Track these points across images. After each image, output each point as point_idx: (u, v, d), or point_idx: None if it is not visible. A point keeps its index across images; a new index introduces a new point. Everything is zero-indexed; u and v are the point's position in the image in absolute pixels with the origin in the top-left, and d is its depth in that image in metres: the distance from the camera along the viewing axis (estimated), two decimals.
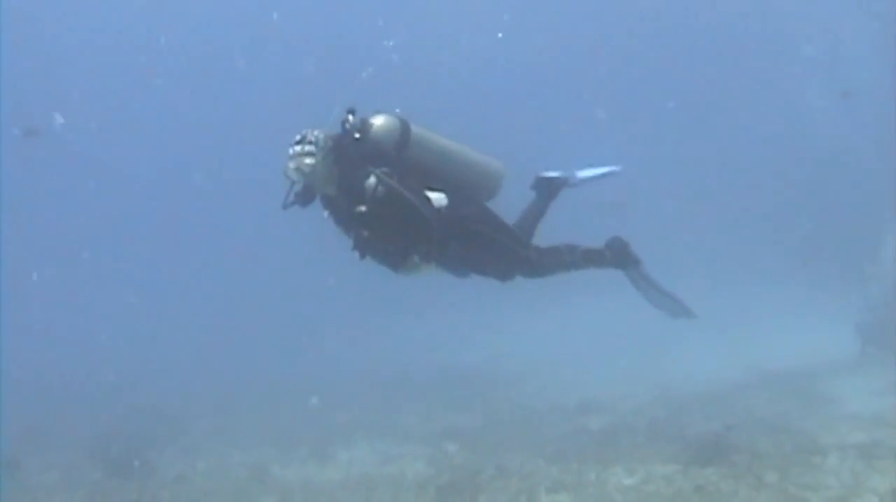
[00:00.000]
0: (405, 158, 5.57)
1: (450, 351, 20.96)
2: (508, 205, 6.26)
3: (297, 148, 5.42)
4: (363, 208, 5.38)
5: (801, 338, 16.80)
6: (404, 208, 5.36)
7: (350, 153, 5.46)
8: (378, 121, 5.57)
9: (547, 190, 6.60)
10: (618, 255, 6.47)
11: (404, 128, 5.61)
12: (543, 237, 6.45)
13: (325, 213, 5.68)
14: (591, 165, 6.97)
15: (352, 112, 5.57)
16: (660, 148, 30.32)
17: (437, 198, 5.52)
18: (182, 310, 28.35)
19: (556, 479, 9.40)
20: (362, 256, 5.62)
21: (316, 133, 5.46)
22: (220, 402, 16.35)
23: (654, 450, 10.44)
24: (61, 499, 10.18)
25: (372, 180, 5.36)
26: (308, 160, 5.37)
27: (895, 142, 21.01)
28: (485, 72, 34.62)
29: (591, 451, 10.86)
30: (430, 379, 18.02)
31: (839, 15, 26.27)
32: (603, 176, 6.94)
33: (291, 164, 5.41)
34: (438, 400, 16.00)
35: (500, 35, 33.91)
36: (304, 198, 5.56)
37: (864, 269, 18.29)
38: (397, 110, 5.70)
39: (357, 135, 5.47)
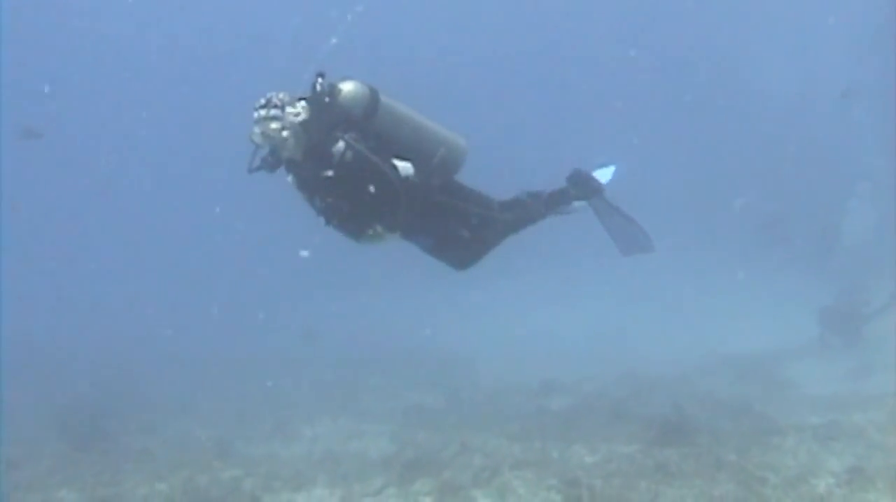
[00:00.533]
0: (372, 126, 5.50)
1: (409, 330, 20.96)
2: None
3: (262, 111, 5.30)
4: (330, 173, 5.31)
5: (762, 323, 17.09)
6: (372, 174, 5.30)
7: (318, 118, 5.37)
8: (347, 86, 5.49)
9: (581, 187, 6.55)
10: (582, 188, 6.47)
11: (373, 96, 5.53)
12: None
13: (289, 178, 5.54)
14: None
15: (321, 76, 5.48)
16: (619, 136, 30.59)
17: (404, 166, 5.46)
18: (144, 289, 28.22)
19: (520, 457, 9.45)
20: (328, 222, 5.53)
21: (281, 96, 5.35)
22: (183, 379, 16.30)
23: (616, 430, 10.54)
24: (26, 472, 10.07)
25: (340, 145, 5.28)
26: (273, 124, 5.27)
27: (856, 128, 21.45)
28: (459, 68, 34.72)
29: (553, 431, 10.92)
30: (390, 359, 18.01)
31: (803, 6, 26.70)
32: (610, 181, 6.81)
33: (257, 129, 5.32)
34: (399, 379, 16.05)
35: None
36: (271, 163, 5.47)
37: (824, 253, 18.68)
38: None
39: (326, 100, 5.40)
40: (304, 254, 5.74)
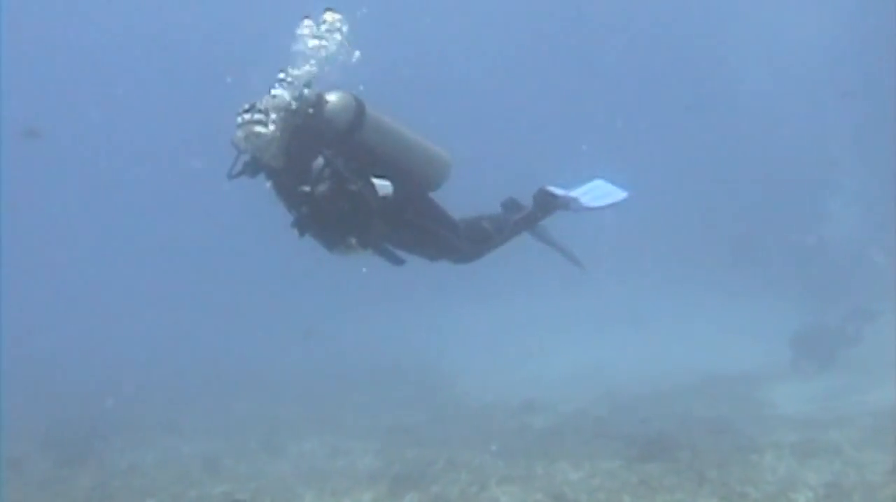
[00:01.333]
0: (356, 140, 5.39)
1: (390, 349, 21.08)
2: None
3: (247, 116, 5.23)
4: (307, 188, 5.26)
5: (738, 345, 17.39)
6: (348, 194, 5.24)
7: (301, 128, 5.29)
8: (333, 98, 5.38)
9: (544, 205, 6.38)
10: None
11: (359, 109, 5.41)
12: None
13: (268, 184, 5.45)
14: (596, 189, 6.66)
15: (308, 86, 5.38)
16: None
17: (383, 185, 5.36)
18: (129, 307, 28.21)
19: (505, 473, 9.63)
20: (301, 234, 5.45)
21: (266, 102, 5.27)
22: (167, 397, 16.35)
23: (599, 448, 10.78)
24: (15, 487, 10.13)
25: (320, 161, 5.24)
26: (258, 128, 5.20)
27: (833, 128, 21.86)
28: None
29: (537, 448, 11.14)
30: (373, 377, 18.19)
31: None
32: (609, 206, 6.58)
33: (240, 133, 5.24)
34: (382, 397, 16.22)
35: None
36: (252, 168, 5.39)
37: (804, 266, 19.05)
38: (361, 87, 5.52)
39: (311, 110, 5.30)
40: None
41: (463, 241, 5.91)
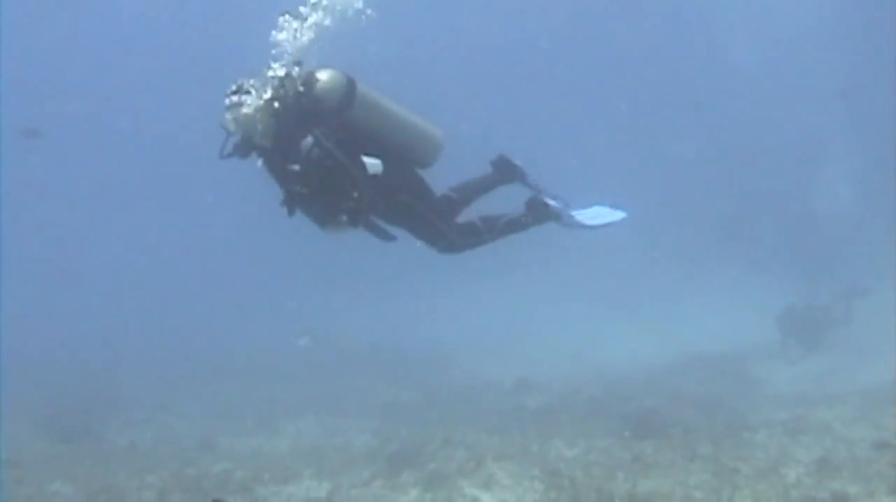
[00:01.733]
0: (347, 118, 5.36)
1: (384, 329, 21.21)
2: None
3: (234, 98, 5.22)
4: (296, 167, 5.25)
5: (729, 325, 17.55)
6: (337, 173, 5.23)
7: (290, 106, 5.25)
8: (324, 76, 5.32)
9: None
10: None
11: (350, 87, 5.35)
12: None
13: (259, 163, 5.42)
14: (597, 208, 6.54)
15: (298, 64, 5.33)
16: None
17: (373, 164, 5.35)
18: (127, 289, 28.29)
19: (501, 451, 9.76)
20: (290, 213, 5.45)
21: (252, 82, 5.25)
22: (163, 378, 16.41)
23: (593, 426, 10.93)
24: (16, 466, 10.18)
25: (309, 140, 5.21)
26: (245, 110, 5.18)
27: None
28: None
29: (531, 426, 11.29)
30: (367, 357, 18.32)
31: None
32: (604, 226, 6.48)
33: (228, 115, 5.23)
34: (376, 377, 16.30)
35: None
36: (242, 149, 5.35)
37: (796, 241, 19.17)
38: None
39: (300, 89, 5.27)
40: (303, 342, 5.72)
41: (451, 228, 5.87)
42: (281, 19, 5.38)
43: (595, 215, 6.48)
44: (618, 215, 6.52)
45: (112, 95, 34.99)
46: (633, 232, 25.54)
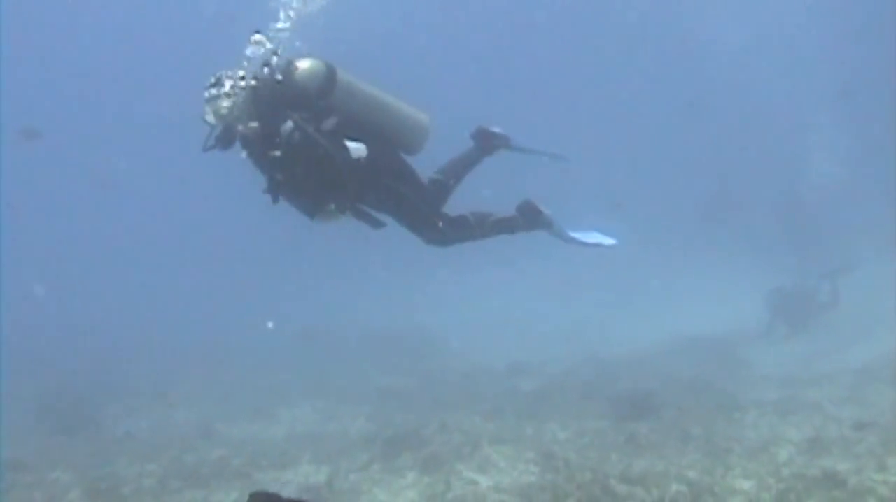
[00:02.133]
0: (328, 104, 5.40)
1: (379, 316, 21.28)
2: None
3: (213, 90, 5.26)
4: (278, 153, 5.27)
5: (718, 304, 17.72)
6: (319, 157, 5.26)
7: (270, 95, 5.30)
8: (304, 64, 5.39)
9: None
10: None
11: (330, 74, 5.41)
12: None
13: (244, 153, 5.43)
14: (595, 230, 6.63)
15: (276, 53, 5.40)
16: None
17: (356, 147, 5.37)
18: (124, 279, 28.34)
19: (496, 434, 9.88)
20: (275, 200, 5.49)
21: (231, 74, 5.28)
22: (162, 365, 16.51)
23: (586, 408, 11.08)
24: (15, 455, 10.24)
25: (289, 125, 5.24)
26: (224, 103, 5.22)
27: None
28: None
29: (525, 409, 11.41)
30: (361, 344, 18.43)
31: None
32: (593, 245, 6.55)
33: (208, 109, 5.27)
34: (371, 363, 16.42)
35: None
36: (225, 141, 5.39)
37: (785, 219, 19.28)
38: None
39: (279, 77, 5.33)
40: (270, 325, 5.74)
41: (440, 217, 5.89)
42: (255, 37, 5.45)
43: (586, 234, 6.59)
44: (608, 241, 6.60)
45: (112, 95, 34.95)
46: (623, 220, 25.73)
